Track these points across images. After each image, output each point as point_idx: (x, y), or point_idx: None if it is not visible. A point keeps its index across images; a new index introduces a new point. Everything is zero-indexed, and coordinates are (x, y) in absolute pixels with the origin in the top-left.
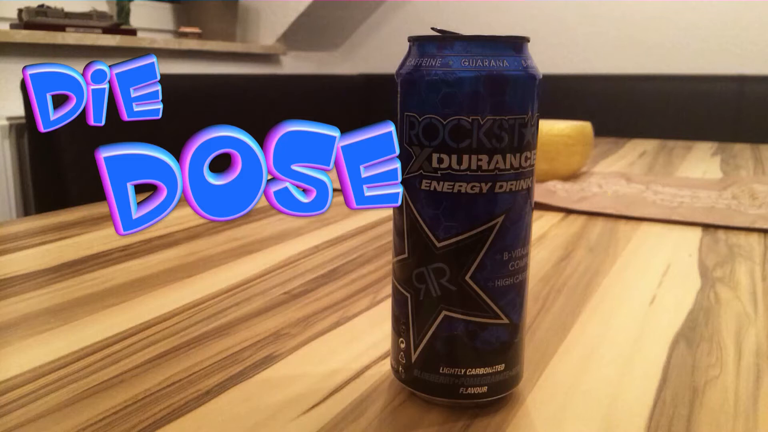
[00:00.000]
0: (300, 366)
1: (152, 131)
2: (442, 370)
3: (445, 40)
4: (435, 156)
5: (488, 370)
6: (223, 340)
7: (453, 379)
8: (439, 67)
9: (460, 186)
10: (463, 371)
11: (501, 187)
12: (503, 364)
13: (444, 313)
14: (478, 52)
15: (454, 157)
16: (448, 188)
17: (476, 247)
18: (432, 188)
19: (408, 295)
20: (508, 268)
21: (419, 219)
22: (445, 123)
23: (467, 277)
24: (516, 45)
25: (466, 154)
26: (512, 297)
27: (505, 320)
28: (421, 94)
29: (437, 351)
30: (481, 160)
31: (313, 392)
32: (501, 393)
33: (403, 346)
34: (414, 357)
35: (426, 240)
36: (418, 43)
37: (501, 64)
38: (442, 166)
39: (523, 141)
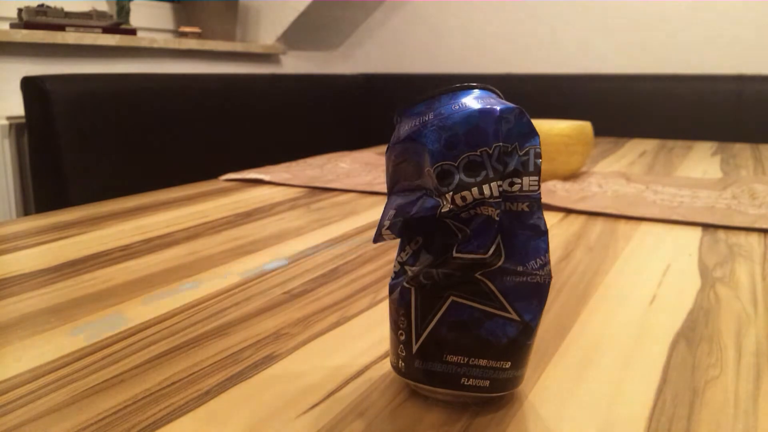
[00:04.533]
0: (300, 366)
1: (152, 131)
2: (446, 357)
3: (431, 97)
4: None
5: (493, 363)
6: (223, 340)
7: (456, 368)
8: (434, 118)
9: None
10: (466, 360)
11: (514, 207)
12: (509, 362)
13: (452, 298)
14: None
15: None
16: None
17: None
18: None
19: (412, 288)
20: (523, 277)
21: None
22: (456, 164)
23: (478, 275)
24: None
25: (486, 184)
26: (526, 298)
27: (515, 317)
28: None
29: (441, 337)
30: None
31: (313, 392)
32: (503, 390)
33: (403, 338)
34: (415, 347)
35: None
36: (407, 108)
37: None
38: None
39: (529, 167)
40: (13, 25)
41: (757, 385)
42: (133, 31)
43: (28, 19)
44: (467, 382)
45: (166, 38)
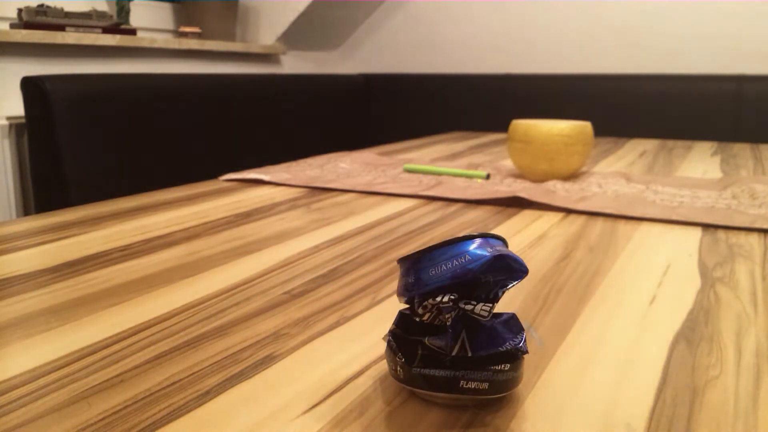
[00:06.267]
0: (300, 366)
1: (152, 131)
2: (445, 363)
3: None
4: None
5: (492, 366)
6: (223, 340)
7: (455, 371)
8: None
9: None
10: (464, 364)
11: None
12: (508, 364)
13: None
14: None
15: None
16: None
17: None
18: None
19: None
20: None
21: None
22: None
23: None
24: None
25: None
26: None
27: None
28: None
29: (439, 353)
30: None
31: (313, 392)
32: (503, 391)
33: (402, 360)
34: (417, 359)
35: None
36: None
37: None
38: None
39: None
40: (13, 25)
41: (757, 385)
42: (133, 31)
43: (28, 19)
44: (466, 385)
45: (166, 38)
